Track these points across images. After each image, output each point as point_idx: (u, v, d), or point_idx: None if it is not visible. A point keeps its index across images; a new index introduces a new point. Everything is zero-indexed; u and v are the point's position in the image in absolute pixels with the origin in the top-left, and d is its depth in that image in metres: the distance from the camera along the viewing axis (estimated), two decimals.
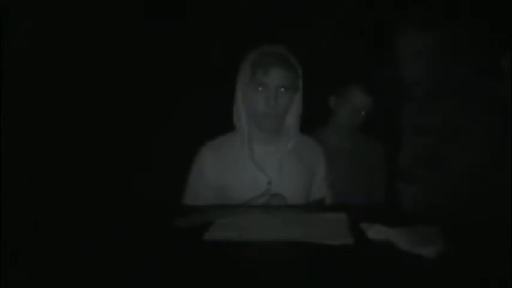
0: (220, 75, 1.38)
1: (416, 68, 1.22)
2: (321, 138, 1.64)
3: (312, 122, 1.72)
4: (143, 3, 2.11)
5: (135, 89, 2.11)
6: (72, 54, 1.99)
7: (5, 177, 1.59)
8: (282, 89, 1.11)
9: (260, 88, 1.11)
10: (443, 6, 1.18)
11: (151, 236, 0.83)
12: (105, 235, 0.83)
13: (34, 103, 1.89)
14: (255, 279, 0.62)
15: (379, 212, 1.04)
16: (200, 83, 2.15)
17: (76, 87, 2.01)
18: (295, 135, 1.21)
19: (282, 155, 1.19)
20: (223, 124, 1.22)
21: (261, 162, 1.17)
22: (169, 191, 1.27)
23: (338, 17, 2.14)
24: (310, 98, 1.34)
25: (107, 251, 0.74)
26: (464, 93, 1.18)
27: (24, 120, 1.84)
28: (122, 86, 2.09)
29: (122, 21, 2.06)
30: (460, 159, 1.13)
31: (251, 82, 1.12)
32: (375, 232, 0.77)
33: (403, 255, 0.72)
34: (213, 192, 1.17)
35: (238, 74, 1.17)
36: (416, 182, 1.21)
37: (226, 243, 0.76)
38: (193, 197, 1.18)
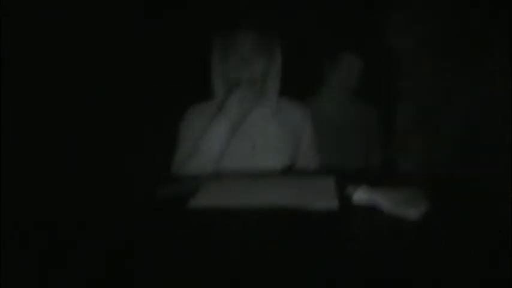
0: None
1: (408, 35, 1.19)
2: (315, 106, 1.64)
3: (306, 90, 1.71)
4: None
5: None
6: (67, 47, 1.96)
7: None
8: (255, 53, 1.09)
9: (233, 53, 1.09)
10: None
11: (135, 205, 0.83)
12: (90, 206, 0.83)
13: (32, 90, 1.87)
14: (239, 246, 0.62)
15: (369, 175, 1.04)
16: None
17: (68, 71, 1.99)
18: (276, 99, 1.20)
19: (265, 120, 1.18)
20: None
21: (244, 127, 1.16)
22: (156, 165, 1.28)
23: None
24: (303, 66, 1.31)
25: (91, 221, 0.75)
26: (455, 58, 1.16)
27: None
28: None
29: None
30: (452, 121, 1.13)
31: (224, 49, 1.11)
32: (360, 194, 0.77)
33: (387, 217, 0.72)
34: None
35: (212, 45, 1.15)
36: (410, 145, 1.20)
37: (211, 210, 0.76)
38: (181, 157, 1.18)
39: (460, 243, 0.62)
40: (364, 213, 0.75)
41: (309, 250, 0.61)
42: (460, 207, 0.78)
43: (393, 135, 1.32)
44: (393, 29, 1.31)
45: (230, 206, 0.77)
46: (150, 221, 0.74)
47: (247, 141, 1.16)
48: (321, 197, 0.79)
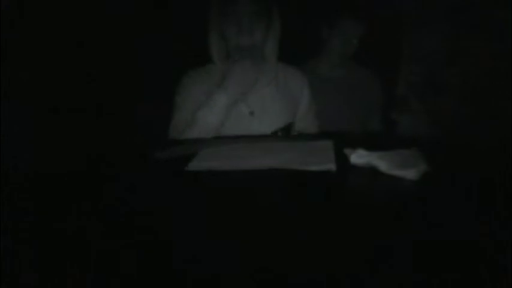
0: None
1: None
2: (314, 70, 1.62)
3: (304, 54, 1.68)
4: None
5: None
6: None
7: None
8: (254, 17, 1.07)
9: (231, 18, 1.07)
10: None
11: (132, 168, 0.84)
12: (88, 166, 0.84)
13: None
14: (238, 207, 0.63)
15: (369, 139, 1.03)
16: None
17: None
18: (275, 64, 1.18)
19: (263, 86, 1.17)
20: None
21: (240, 95, 1.15)
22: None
23: None
24: (301, 29, 1.28)
25: (89, 182, 0.75)
26: (460, 18, 1.13)
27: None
28: None
29: None
30: (457, 85, 1.11)
31: (221, 13, 1.08)
32: (358, 156, 0.76)
33: (386, 178, 0.72)
34: None
35: (209, 10, 1.12)
36: (412, 110, 1.19)
37: (210, 173, 0.76)
38: (178, 126, 1.17)
39: (455, 205, 0.62)
40: (361, 173, 0.75)
41: (309, 209, 0.61)
42: (459, 169, 0.78)
43: (394, 99, 1.31)
44: None
45: (229, 168, 0.77)
46: (148, 183, 0.75)
47: (245, 107, 1.15)
48: (318, 159, 0.80)
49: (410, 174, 0.72)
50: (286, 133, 1.13)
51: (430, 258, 0.47)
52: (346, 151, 0.79)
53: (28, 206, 0.67)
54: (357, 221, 0.57)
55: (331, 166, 0.76)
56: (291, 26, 1.17)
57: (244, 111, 1.15)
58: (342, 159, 0.79)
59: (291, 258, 0.48)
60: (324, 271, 0.45)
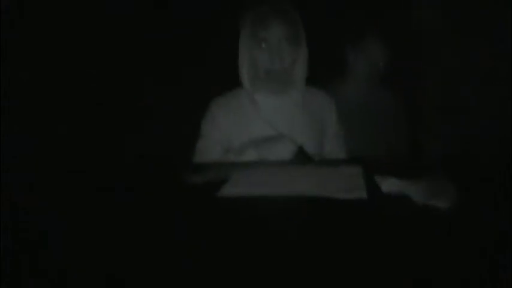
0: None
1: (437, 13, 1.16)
2: (339, 93, 1.62)
3: (329, 75, 1.70)
4: None
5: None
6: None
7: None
8: (285, 42, 1.10)
9: (263, 44, 1.10)
10: None
11: (162, 193, 0.85)
12: (116, 191, 0.86)
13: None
14: (269, 234, 0.63)
15: (396, 164, 1.03)
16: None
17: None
18: (303, 88, 1.20)
19: (291, 109, 1.19)
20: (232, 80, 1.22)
21: (269, 117, 1.17)
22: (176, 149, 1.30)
23: None
24: (327, 51, 1.30)
25: (123, 204, 0.77)
26: (480, 37, 1.13)
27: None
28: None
29: None
30: (480, 104, 1.10)
31: (253, 39, 1.12)
32: (389, 185, 0.77)
33: (417, 207, 0.72)
34: (225, 145, 1.19)
35: (240, 33, 1.15)
36: (437, 131, 1.18)
37: (241, 199, 0.77)
38: (207, 150, 1.19)
39: (487, 233, 0.62)
40: (393, 201, 0.75)
41: (340, 238, 0.61)
42: (490, 196, 0.77)
43: (419, 120, 1.30)
44: (416, 11, 1.28)
45: (259, 194, 0.78)
46: (180, 208, 0.76)
47: (273, 129, 1.16)
48: (348, 187, 0.80)
49: (442, 203, 0.71)
50: (301, 157, 1.12)
51: None
52: (377, 179, 0.79)
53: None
54: (390, 250, 0.57)
55: (362, 194, 0.76)
56: (317, 48, 1.18)
57: (272, 133, 1.16)
58: (372, 187, 0.79)
59: (322, 286, 0.48)
60: None
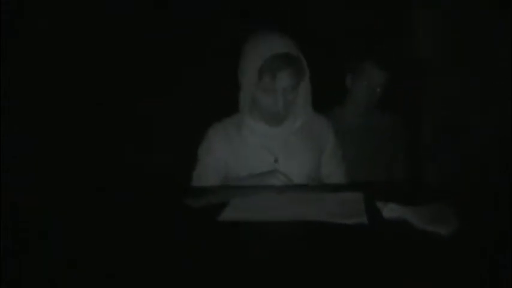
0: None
1: (435, 38, 1.19)
2: (339, 117, 1.65)
3: (330, 102, 1.72)
4: None
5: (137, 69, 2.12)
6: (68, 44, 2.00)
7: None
8: (290, 89, 1.10)
9: (268, 91, 1.10)
10: None
11: (163, 216, 0.84)
12: (116, 217, 0.85)
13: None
14: (270, 259, 0.63)
15: (396, 189, 1.03)
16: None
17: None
18: (304, 114, 1.21)
19: (289, 135, 1.20)
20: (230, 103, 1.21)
21: (266, 141, 1.18)
22: (175, 172, 1.29)
23: None
24: (327, 77, 1.31)
25: (119, 233, 0.76)
26: (482, 62, 1.15)
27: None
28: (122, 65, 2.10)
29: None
30: (481, 130, 1.11)
31: (258, 86, 1.10)
32: (390, 211, 0.77)
33: (418, 233, 0.72)
34: (222, 172, 1.19)
35: (242, 73, 1.13)
36: (437, 156, 1.19)
37: (241, 223, 0.77)
38: (203, 177, 1.19)
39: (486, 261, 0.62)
40: (394, 227, 0.75)
41: (341, 263, 0.61)
42: (491, 222, 0.78)
43: (419, 146, 1.32)
44: (416, 38, 1.31)
45: (259, 219, 0.78)
46: (180, 232, 0.75)
47: (270, 154, 1.17)
48: (349, 212, 0.80)
49: (442, 229, 0.72)
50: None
51: None
52: (379, 204, 0.80)
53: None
54: (391, 275, 0.57)
55: (363, 219, 0.76)
56: (318, 74, 1.19)
57: (269, 158, 1.17)
58: (372, 212, 0.79)
59: None
60: None
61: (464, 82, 1.20)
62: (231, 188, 1.06)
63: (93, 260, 0.64)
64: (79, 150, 2.02)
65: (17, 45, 1.86)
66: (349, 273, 0.58)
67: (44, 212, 0.88)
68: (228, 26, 2.04)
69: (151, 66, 2.16)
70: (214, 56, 2.10)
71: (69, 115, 2.03)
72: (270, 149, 1.18)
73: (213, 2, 2.11)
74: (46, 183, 1.74)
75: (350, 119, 1.67)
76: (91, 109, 2.07)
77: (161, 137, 2.15)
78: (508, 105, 1.10)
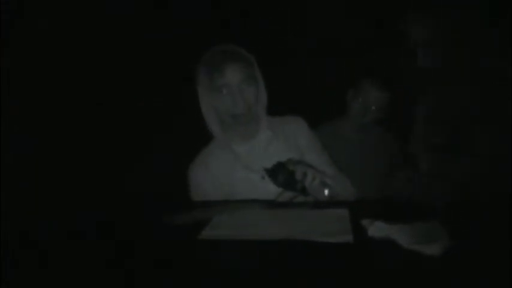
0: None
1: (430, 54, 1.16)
2: (336, 129, 1.64)
3: (323, 117, 1.71)
4: None
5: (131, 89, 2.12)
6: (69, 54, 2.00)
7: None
8: (245, 84, 1.08)
9: (223, 90, 1.07)
10: None
11: (144, 234, 0.83)
12: (99, 232, 0.83)
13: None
14: (252, 278, 0.61)
15: (383, 207, 1.00)
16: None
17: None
18: (267, 123, 1.19)
19: (265, 148, 1.17)
20: None
21: (247, 161, 1.15)
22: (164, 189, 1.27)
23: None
24: (320, 93, 1.28)
25: (99, 250, 0.75)
26: (477, 79, 1.12)
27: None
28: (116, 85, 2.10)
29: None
30: (473, 148, 1.09)
31: (212, 88, 1.08)
32: (376, 229, 0.74)
33: (405, 252, 0.70)
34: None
35: (195, 81, 1.12)
36: (427, 172, 1.17)
37: (223, 241, 0.75)
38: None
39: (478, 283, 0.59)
40: (380, 247, 0.72)
41: (325, 284, 0.59)
42: (480, 242, 0.74)
43: (413, 163, 1.29)
44: (412, 55, 1.29)
45: (242, 237, 0.76)
46: (160, 249, 0.74)
47: (255, 173, 1.13)
48: (335, 230, 0.77)
49: (431, 249, 0.69)
50: (274, 173, 1.06)
51: None
52: (364, 222, 0.77)
53: None
54: None
55: (348, 238, 0.74)
56: (315, 88, 1.17)
57: (255, 178, 1.12)
58: (359, 231, 0.77)
59: None
60: None
61: (460, 96, 1.17)
62: (215, 204, 1.03)
63: (91, 259, 0.64)
64: (79, 150, 2.02)
65: (17, 45, 1.87)
66: None
67: (43, 212, 0.88)
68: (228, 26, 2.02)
69: (151, 66, 2.15)
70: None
71: (69, 115, 2.03)
72: (252, 168, 1.14)
73: (213, 2, 2.09)
74: (46, 183, 1.75)
75: (347, 133, 1.67)
76: (91, 109, 2.08)
77: (159, 140, 2.14)
78: (508, 114, 1.06)
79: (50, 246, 0.72)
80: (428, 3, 1.39)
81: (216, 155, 1.19)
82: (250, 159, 1.16)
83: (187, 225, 0.83)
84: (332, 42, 1.97)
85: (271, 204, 1.00)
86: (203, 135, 1.21)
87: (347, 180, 1.23)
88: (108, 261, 0.68)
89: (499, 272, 0.59)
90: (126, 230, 0.81)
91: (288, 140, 1.21)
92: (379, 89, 1.58)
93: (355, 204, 0.93)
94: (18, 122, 1.89)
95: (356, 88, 1.65)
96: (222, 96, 1.08)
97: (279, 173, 1.01)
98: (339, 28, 2.02)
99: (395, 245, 0.71)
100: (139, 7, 2.08)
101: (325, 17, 2.01)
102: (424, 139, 1.20)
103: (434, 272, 0.64)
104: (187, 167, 1.20)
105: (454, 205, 0.83)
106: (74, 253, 0.69)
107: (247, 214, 0.91)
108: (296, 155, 1.18)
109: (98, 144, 2.08)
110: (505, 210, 0.83)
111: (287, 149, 1.18)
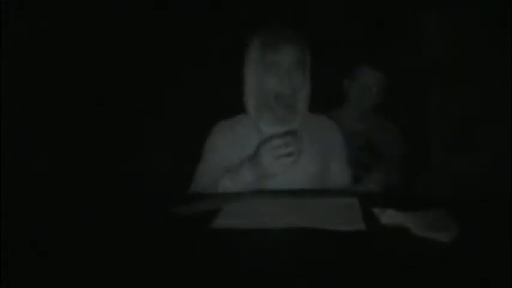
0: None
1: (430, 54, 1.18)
2: (335, 120, 1.62)
3: (328, 105, 1.71)
4: None
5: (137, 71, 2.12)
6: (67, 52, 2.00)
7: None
8: (295, 66, 1.08)
9: (273, 68, 1.08)
10: None
11: (156, 223, 0.83)
12: (110, 224, 0.83)
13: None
14: (265, 267, 0.61)
15: (392, 197, 1.01)
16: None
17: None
18: (306, 114, 1.18)
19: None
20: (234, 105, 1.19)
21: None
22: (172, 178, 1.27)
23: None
24: (327, 81, 1.29)
25: (112, 240, 0.75)
26: (477, 79, 1.14)
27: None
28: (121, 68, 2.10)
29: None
30: (480, 146, 1.10)
31: (262, 63, 1.09)
32: (388, 217, 0.75)
33: (417, 240, 0.70)
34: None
35: (246, 57, 1.13)
36: (431, 168, 1.17)
37: (235, 231, 0.75)
38: (205, 173, 1.16)
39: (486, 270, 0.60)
40: (392, 234, 0.73)
41: (338, 271, 0.59)
42: (489, 230, 0.75)
43: (416, 153, 1.30)
44: (424, 47, 1.30)
45: (253, 226, 0.76)
46: (172, 240, 0.74)
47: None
48: (346, 218, 0.78)
49: (442, 236, 0.70)
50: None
51: None
52: (376, 211, 0.78)
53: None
54: (389, 283, 0.55)
55: (360, 226, 0.74)
56: (319, 80, 1.17)
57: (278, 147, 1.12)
58: (369, 219, 0.77)
59: None
60: None
61: (465, 92, 1.19)
62: (225, 194, 1.03)
63: (90, 259, 0.64)
64: (79, 150, 2.01)
65: (17, 45, 1.86)
66: (345, 282, 0.56)
67: (43, 212, 0.87)
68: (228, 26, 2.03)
69: (151, 66, 2.15)
70: (214, 56, 2.09)
71: (69, 115, 2.03)
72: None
73: (213, 2, 2.11)
74: (46, 183, 1.74)
75: (347, 123, 1.65)
76: (91, 109, 2.07)
77: (158, 140, 2.14)
78: (508, 113, 1.08)
79: (50, 246, 0.71)
80: (428, 3, 1.41)
81: (242, 125, 1.18)
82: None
83: (196, 215, 0.83)
84: (332, 42, 1.99)
85: (280, 193, 1.01)
86: (203, 135, 1.22)
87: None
88: (108, 261, 0.68)
89: (499, 272, 0.60)
90: (126, 229, 0.80)
91: (318, 137, 1.20)
92: (375, 68, 1.59)
93: (364, 194, 0.93)
94: (18, 122, 1.88)
95: (351, 76, 1.65)
96: (270, 75, 1.09)
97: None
98: (338, 28, 2.05)
99: (407, 232, 0.72)
100: (139, 7, 2.09)
101: (325, 17, 2.03)
102: (424, 139, 1.21)
103: (434, 272, 0.64)
104: (187, 164, 1.20)
105: (454, 205, 0.84)
106: (73, 253, 0.68)
107: (259, 203, 0.91)
108: (320, 153, 1.18)
109: (98, 144, 2.08)
110: (505, 210, 0.84)
111: (312, 148, 1.17)
